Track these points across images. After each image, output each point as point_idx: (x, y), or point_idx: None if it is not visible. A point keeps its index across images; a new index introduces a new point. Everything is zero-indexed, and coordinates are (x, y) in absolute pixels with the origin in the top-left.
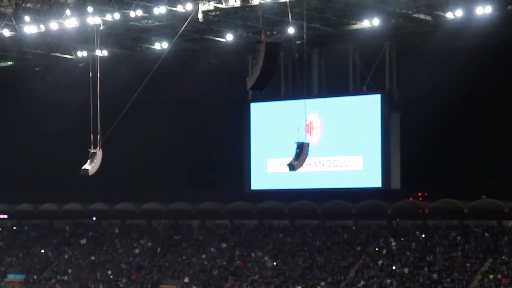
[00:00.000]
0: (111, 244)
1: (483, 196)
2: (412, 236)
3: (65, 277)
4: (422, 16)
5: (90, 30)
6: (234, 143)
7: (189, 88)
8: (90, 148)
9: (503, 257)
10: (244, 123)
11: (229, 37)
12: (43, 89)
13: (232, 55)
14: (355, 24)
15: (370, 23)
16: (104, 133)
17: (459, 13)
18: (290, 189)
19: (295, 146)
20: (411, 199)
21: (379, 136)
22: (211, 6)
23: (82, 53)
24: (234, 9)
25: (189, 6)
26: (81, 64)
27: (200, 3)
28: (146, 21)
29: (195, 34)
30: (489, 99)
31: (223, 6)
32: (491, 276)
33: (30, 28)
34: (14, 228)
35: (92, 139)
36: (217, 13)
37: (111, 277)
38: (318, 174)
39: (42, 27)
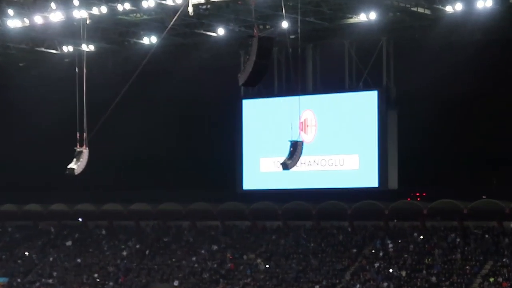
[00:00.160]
0: (98, 246)
1: (484, 197)
2: (410, 237)
3: (50, 280)
4: (420, 10)
5: (76, 24)
6: (225, 141)
7: (178, 85)
8: (76, 146)
9: (504, 260)
10: (236, 120)
11: (221, 31)
12: (27, 86)
13: (224, 50)
14: (351, 18)
15: (367, 17)
16: (91, 131)
17: (459, 6)
18: (283, 189)
19: (288, 144)
20: (408, 199)
21: (375, 134)
22: None
23: (67, 48)
24: (226, 2)
25: None
26: (66, 60)
27: None
28: (135, 14)
29: (185, 28)
30: (490, 96)
31: None
32: (491, 279)
33: (13, 22)
34: None
35: (78, 137)
36: (208, 6)
37: (98, 280)
38: (312, 174)
39: (26, 21)
